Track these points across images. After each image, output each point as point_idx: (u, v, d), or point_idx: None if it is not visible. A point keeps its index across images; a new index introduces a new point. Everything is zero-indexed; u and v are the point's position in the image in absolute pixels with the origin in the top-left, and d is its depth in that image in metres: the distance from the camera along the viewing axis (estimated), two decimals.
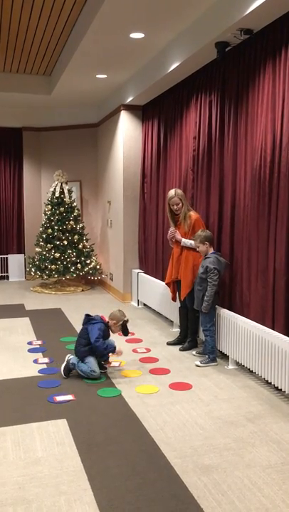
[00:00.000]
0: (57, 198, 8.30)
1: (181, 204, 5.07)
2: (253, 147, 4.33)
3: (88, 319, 4.41)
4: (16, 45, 6.27)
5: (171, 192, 5.14)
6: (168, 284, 5.38)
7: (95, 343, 4.22)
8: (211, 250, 4.69)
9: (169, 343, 5.29)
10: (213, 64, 4.99)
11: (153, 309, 6.63)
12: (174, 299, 5.36)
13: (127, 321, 4.45)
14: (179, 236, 5.08)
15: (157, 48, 5.53)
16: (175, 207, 5.10)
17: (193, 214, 5.09)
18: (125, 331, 4.49)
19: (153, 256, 6.84)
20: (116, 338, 4.64)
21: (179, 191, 5.13)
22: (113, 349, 4.38)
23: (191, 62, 5.10)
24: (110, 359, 4.49)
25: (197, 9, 4.47)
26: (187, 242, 5.00)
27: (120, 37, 5.14)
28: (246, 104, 4.44)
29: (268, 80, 4.08)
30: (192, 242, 4.91)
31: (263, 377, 4.00)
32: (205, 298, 4.55)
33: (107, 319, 4.42)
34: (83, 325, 4.43)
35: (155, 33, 5.07)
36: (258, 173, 4.20)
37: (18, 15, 5.30)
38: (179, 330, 5.45)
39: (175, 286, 5.30)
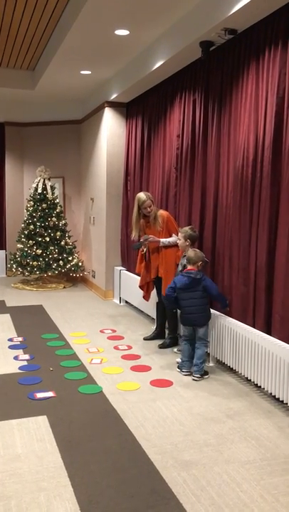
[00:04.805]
0: (39, 194, 8.24)
1: (152, 206, 5.04)
2: (235, 146, 4.36)
3: (194, 281, 4.24)
4: None
5: (142, 196, 5.00)
6: (141, 287, 5.36)
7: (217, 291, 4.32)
8: (190, 249, 4.68)
9: (145, 338, 5.32)
10: (197, 63, 5.01)
11: (135, 307, 6.64)
12: (146, 298, 5.37)
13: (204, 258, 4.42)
14: (156, 238, 4.98)
15: (142, 45, 5.53)
16: (148, 209, 5.01)
17: (163, 212, 5.10)
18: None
19: (135, 253, 6.84)
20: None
21: (148, 193, 5.08)
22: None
23: (176, 61, 5.11)
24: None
25: (182, 8, 4.48)
26: (166, 241, 4.98)
27: (105, 33, 5.13)
28: (230, 104, 4.47)
29: (251, 80, 4.12)
30: (171, 239, 4.93)
31: (243, 374, 4.04)
32: None
33: (191, 267, 4.33)
34: (189, 289, 4.25)
35: (140, 31, 5.06)
36: (240, 173, 4.24)
37: (2, 8, 5.24)
38: None
39: (150, 285, 5.31)
